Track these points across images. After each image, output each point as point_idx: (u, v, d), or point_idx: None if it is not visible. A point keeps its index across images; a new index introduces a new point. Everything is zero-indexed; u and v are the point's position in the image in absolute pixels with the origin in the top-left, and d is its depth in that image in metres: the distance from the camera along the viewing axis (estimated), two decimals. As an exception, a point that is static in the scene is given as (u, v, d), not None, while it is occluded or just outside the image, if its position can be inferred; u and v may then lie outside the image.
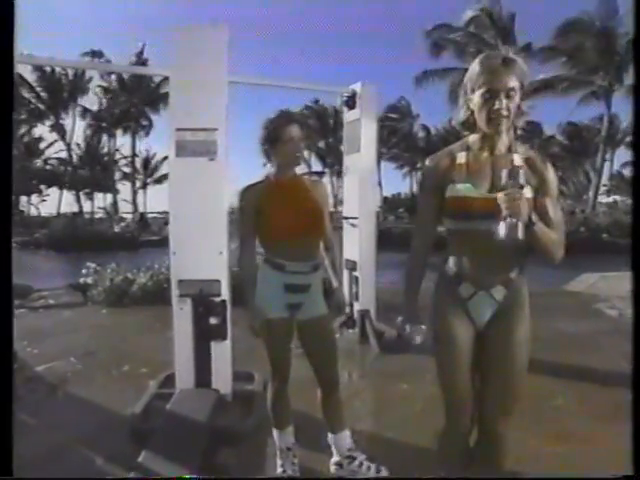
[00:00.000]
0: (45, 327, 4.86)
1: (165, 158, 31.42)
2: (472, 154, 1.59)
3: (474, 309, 1.63)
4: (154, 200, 41.84)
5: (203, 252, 2.87)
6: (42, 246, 17.30)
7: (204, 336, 2.90)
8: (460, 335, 1.62)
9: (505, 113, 1.47)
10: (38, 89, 27.30)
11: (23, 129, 30.56)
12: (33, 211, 34.09)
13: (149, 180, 37.49)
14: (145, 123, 31.27)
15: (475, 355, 1.65)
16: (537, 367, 3.53)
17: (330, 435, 2.17)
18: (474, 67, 1.51)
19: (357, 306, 4.37)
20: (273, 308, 2.00)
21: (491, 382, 1.63)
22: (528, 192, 1.53)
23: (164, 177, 36.55)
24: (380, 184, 38.36)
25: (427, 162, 1.66)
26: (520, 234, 1.40)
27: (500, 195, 1.41)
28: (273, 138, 1.95)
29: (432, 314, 1.69)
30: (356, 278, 4.36)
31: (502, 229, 1.41)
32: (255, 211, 1.98)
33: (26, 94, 27.23)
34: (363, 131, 4.17)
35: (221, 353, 2.92)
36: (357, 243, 4.29)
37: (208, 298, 2.89)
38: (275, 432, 2.19)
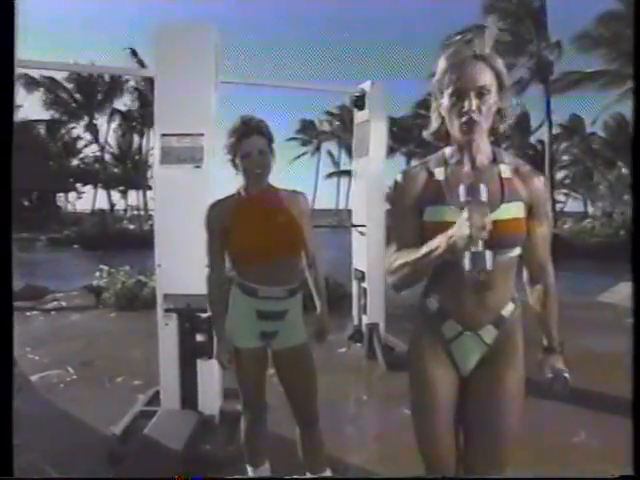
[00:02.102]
0: (51, 331, 4.84)
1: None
2: (450, 169, 1.34)
3: (458, 352, 1.38)
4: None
5: (190, 265, 2.70)
6: (72, 243, 17.73)
7: (190, 354, 2.75)
8: (440, 382, 1.39)
9: (476, 116, 1.23)
10: (72, 90, 28.04)
11: (61, 129, 31.56)
12: (70, 208, 35.15)
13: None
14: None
15: (458, 405, 1.41)
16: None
17: (309, 475, 1.97)
18: (440, 65, 1.27)
19: (365, 319, 4.13)
20: (244, 336, 1.81)
21: (475, 440, 1.38)
22: (520, 211, 1.29)
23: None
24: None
25: (399, 178, 1.41)
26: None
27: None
28: (232, 152, 1.75)
29: (409, 355, 1.47)
30: (364, 289, 4.12)
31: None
32: (223, 229, 1.79)
33: (61, 95, 28.03)
34: (372, 133, 3.92)
35: (208, 372, 2.75)
36: (365, 252, 4.06)
37: (195, 314, 2.73)
38: (249, 468, 2.00)
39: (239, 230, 1.76)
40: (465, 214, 1.13)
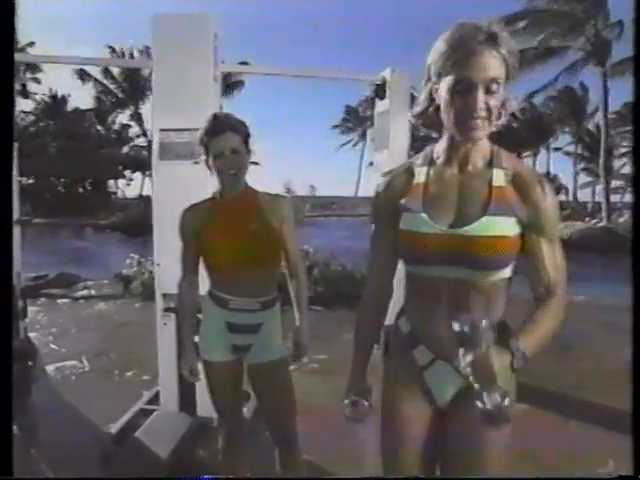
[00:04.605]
0: (76, 321, 4.95)
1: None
2: (435, 170, 1.15)
3: (432, 381, 1.22)
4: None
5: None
6: (117, 230, 18.35)
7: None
8: (411, 414, 1.23)
9: (484, 114, 1.02)
10: (120, 79, 28.96)
11: (111, 118, 32.68)
12: (120, 194, 36.46)
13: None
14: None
15: (434, 439, 1.25)
16: (589, 415, 2.98)
17: None
18: (441, 44, 1.04)
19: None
20: (214, 349, 1.71)
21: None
22: (510, 227, 1.08)
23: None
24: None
25: (380, 180, 1.25)
26: (507, 406, 0.92)
27: (463, 362, 0.95)
28: (204, 152, 1.62)
29: (383, 376, 1.32)
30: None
31: (480, 405, 0.94)
32: (195, 235, 1.68)
33: (110, 85, 29.05)
34: (392, 124, 3.70)
35: (207, 374, 2.68)
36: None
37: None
38: (229, 482, 1.91)
39: (210, 237, 1.65)
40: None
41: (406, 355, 1.23)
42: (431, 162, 1.17)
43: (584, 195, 36.29)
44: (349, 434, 2.69)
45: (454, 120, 1.05)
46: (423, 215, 1.12)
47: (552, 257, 1.12)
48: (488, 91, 1.01)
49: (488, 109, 1.02)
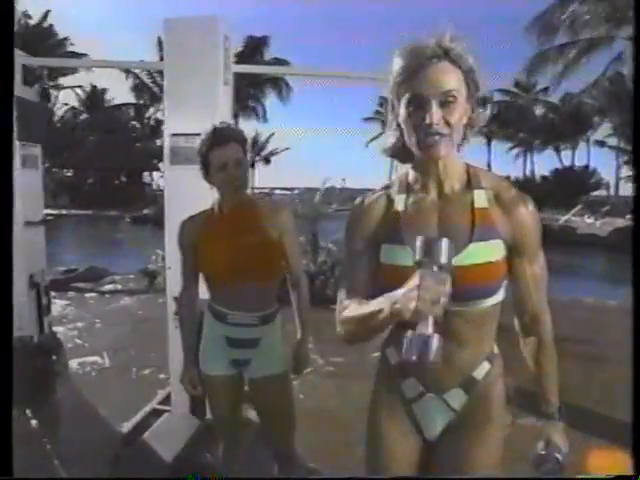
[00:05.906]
0: (101, 315, 5.08)
1: (272, 135, 32.74)
2: (413, 197, 1.10)
3: (421, 415, 1.17)
4: (260, 178, 43.42)
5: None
6: (149, 222, 18.77)
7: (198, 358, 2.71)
8: (398, 446, 1.19)
9: (443, 130, 0.97)
10: (156, 74, 29.55)
11: (146, 112, 33.42)
12: (154, 186, 37.33)
13: (257, 158, 39.04)
14: (253, 104, 32.55)
15: (422, 471, 1.20)
16: (616, 434, 2.82)
17: None
18: (395, 65, 1.01)
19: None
20: (214, 363, 1.70)
21: None
22: (497, 251, 1.03)
23: (271, 154, 38.41)
24: (489, 166, 35.78)
25: (356, 204, 1.18)
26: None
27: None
28: (204, 164, 1.60)
29: (369, 409, 1.27)
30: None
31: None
32: (193, 248, 1.67)
33: (146, 80, 29.70)
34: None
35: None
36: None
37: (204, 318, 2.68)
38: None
39: (208, 250, 1.64)
40: (415, 280, 0.87)
41: (394, 387, 1.19)
42: (408, 189, 1.11)
43: (626, 189, 34.75)
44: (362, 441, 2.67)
45: (414, 139, 1.01)
46: (405, 247, 1.06)
47: (535, 280, 1.10)
48: (444, 105, 0.97)
49: (447, 124, 0.98)
